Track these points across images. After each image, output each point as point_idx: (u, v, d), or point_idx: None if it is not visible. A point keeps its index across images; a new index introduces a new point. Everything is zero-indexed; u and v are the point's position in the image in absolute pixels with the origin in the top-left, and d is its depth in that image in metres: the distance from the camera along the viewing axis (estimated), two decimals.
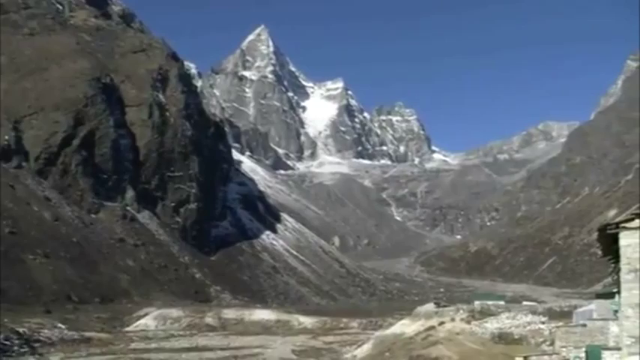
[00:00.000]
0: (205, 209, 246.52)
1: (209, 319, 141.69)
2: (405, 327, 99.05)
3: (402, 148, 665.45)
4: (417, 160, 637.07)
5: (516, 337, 78.10)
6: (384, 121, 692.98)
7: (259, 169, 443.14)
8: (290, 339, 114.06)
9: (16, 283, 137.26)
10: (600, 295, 50.93)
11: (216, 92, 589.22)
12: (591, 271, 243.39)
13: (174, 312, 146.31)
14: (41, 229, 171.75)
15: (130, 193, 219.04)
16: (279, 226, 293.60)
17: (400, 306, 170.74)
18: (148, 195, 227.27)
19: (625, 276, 23.25)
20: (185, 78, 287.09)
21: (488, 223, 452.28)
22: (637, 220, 23.25)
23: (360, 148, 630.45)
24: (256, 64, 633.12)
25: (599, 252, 28.55)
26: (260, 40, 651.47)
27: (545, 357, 44.45)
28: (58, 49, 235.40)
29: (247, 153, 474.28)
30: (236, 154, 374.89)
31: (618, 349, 26.46)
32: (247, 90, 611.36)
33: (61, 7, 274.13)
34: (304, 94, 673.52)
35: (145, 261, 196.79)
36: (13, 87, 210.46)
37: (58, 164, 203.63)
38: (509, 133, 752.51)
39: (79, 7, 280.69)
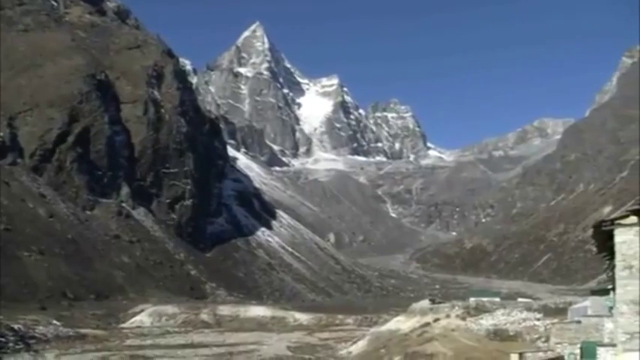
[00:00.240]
0: (200, 206, 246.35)
1: (204, 316, 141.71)
2: (401, 323, 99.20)
3: (397, 145, 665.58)
4: (412, 157, 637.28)
5: (511, 333, 78.27)
6: (379, 117, 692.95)
7: (254, 166, 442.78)
8: (285, 335, 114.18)
9: (12, 280, 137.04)
10: (595, 292, 50.89)
11: (212, 89, 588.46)
12: (586, 268, 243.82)
13: (170, 308, 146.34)
14: (36, 226, 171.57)
15: (125, 190, 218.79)
16: (274, 223, 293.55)
17: (395, 302, 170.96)
18: (143, 191, 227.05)
19: (620, 272, 23.29)
20: (180, 75, 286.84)
21: (484, 220, 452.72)
22: (632, 217, 23.29)
23: (355, 144, 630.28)
24: (251, 60, 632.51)
25: (594, 249, 28.59)
26: (255, 37, 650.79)
27: (540, 353, 44.48)
28: (52, 45, 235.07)
29: (242, 150, 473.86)
30: (231, 151, 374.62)
31: (613, 345, 26.51)
32: (242, 86, 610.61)
33: (55, 4, 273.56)
34: (299, 91, 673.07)
35: (140, 257, 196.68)
36: (8, 84, 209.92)
37: (53, 161, 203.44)
38: (504, 130, 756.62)
39: (74, 4, 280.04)
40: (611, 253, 24.88)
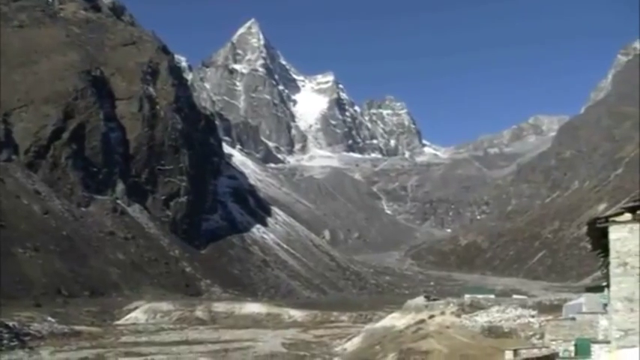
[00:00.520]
0: (196, 203, 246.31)
1: (199, 313, 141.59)
2: (396, 320, 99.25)
3: (392, 142, 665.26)
4: (407, 154, 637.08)
5: (506, 330, 78.31)
6: (374, 114, 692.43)
7: (250, 163, 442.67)
8: (280, 332, 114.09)
9: (6, 277, 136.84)
10: (590, 289, 51.09)
11: (207, 85, 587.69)
12: (581, 265, 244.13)
13: (165, 305, 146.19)
14: (31, 223, 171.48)
15: (120, 187, 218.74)
16: (269, 220, 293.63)
17: (390, 299, 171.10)
18: (138, 188, 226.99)
19: (614, 270, 23.31)
20: (175, 71, 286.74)
21: (479, 217, 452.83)
22: (626, 215, 23.31)
23: (350, 141, 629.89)
24: (247, 57, 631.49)
25: (589, 246, 28.61)
26: (251, 34, 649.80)
27: (535, 350, 44.57)
28: (47, 41, 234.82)
29: (238, 146, 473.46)
30: (226, 148, 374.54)
31: (607, 342, 26.56)
32: (238, 83, 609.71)
33: (50, 0, 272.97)
34: (295, 88, 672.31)
35: (135, 254, 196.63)
36: (3, 80, 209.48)
37: (47, 157, 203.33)
38: (499, 127, 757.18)
39: (69, 0, 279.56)
40: (605, 251, 24.91)
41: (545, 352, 40.57)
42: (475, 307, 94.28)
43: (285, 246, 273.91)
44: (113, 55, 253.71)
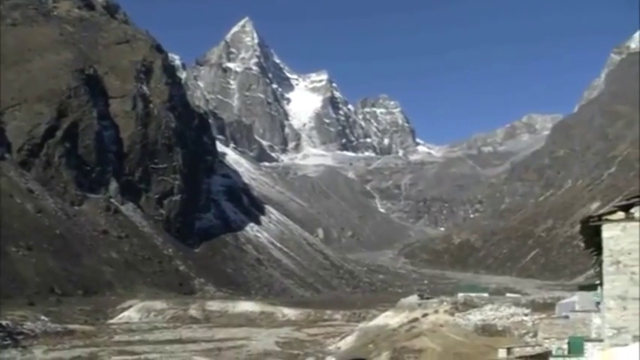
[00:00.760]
0: (189, 201, 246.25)
1: (193, 311, 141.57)
2: (389, 319, 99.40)
3: (386, 141, 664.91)
4: (401, 153, 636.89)
5: (499, 328, 78.53)
6: (368, 113, 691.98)
7: (243, 161, 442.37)
8: (274, 331, 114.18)
9: None
10: (583, 287, 51.18)
11: (201, 84, 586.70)
12: (574, 264, 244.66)
13: (158, 304, 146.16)
14: (24, 221, 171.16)
15: (113, 185, 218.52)
16: (263, 218, 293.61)
17: (384, 298, 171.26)
18: (131, 187, 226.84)
19: (607, 268, 23.37)
20: (169, 70, 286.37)
21: (472, 216, 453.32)
22: (619, 213, 23.38)
23: (344, 140, 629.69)
24: (241, 55, 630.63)
25: (582, 244, 28.70)
26: (244, 32, 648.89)
27: (528, 348, 44.69)
28: (41, 40, 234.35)
29: (231, 145, 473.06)
30: (220, 146, 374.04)
31: (600, 340, 26.62)
32: (231, 82, 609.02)
33: None
34: (288, 86, 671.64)
35: (129, 253, 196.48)
36: None
37: (41, 156, 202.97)
38: (493, 126, 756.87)
39: None
40: (598, 249, 24.97)
41: (538, 350, 40.70)
42: (468, 305, 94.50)
43: (278, 244, 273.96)
44: (107, 54, 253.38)
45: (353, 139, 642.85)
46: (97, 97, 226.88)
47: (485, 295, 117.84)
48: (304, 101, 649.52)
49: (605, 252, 23.46)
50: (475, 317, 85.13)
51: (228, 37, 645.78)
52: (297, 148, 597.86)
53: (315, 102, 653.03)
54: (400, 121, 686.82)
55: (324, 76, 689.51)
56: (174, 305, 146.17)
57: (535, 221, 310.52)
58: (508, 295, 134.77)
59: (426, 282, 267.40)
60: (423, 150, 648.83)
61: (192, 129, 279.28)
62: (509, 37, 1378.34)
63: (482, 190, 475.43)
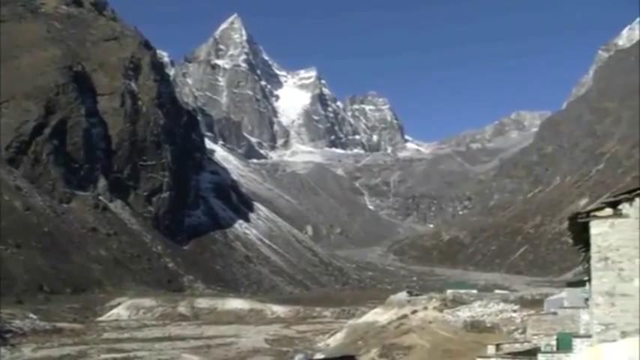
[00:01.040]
0: (178, 198, 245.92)
1: (182, 309, 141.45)
2: (378, 316, 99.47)
3: (374, 137, 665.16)
4: (389, 149, 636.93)
5: (488, 325, 78.69)
6: (357, 110, 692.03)
7: (232, 158, 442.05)
8: (263, 328, 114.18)
9: None
10: (571, 284, 51.30)
11: (189, 81, 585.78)
12: (562, 260, 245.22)
13: (147, 301, 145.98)
14: (12, 219, 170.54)
15: (102, 183, 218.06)
16: (252, 215, 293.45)
17: (373, 295, 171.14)
18: (120, 184, 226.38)
19: (595, 264, 23.46)
20: (158, 66, 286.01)
21: (461, 212, 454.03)
22: (607, 209, 23.47)
23: (333, 137, 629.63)
24: (229, 52, 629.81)
25: (570, 241, 28.78)
26: (233, 29, 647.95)
27: (517, 345, 44.77)
28: (29, 36, 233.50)
29: (220, 142, 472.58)
30: (209, 143, 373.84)
31: (589, 336, 26.70)
32: (220, 79, 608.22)
33: None
34: (277, 83, 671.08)
35: (118, 250, 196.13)
36: None
37: (29, 153, 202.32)
38: (481, 123, 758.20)
39: None
40: (586, 245, 25.05)
41: (527, 346, 40.76)
42: (457, 302, 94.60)
43: (267, 242, 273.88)
44: (95, 51, 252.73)
45: (342, 135, 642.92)
46: (85, 94, 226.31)
47: (474, 291, 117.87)
48: (293, 98, 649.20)
49: (593, 248, 23.55)
50: (464, 314, 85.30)
51: (217, 33, 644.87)
52: (286, 144, 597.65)
53: (304, 99, 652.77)
54: (389, 118, 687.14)
55: (312, 73, 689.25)
56: (163, 303, 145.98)
57: (524, 218, 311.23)
58: (497, 291, 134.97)
59: (414, 279, 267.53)
60: (412, 147, 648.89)
61: (181, 126, 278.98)
62: (498, 35, 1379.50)
63: (470, 187, 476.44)
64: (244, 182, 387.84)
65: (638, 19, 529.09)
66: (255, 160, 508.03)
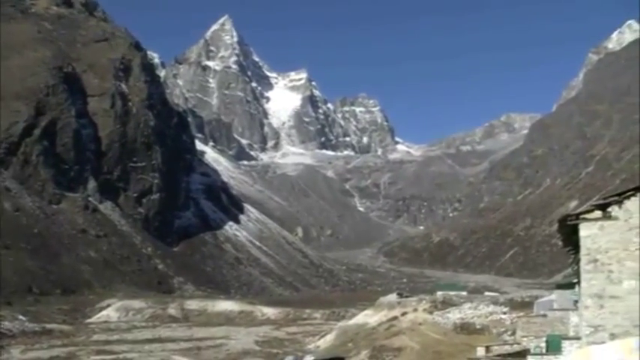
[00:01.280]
0: (168, 200, 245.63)
1: (172, 311, 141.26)
2: (368, 317, 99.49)
3: (365, 139, 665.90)
4: (380, 151, 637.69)
5: (478, 327, 78.72)
6: (347, 112, 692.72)
7: (222, 160, 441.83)
8: (253, 330, 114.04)
9: None
10: (561, 286, 51.38)
11: (180, 82, 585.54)
12: (552, 262, 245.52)
13: (137, 303, 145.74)
14: (1, 220, 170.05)
15: (91, 184, 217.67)
16: (242, 217, 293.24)
17: (363, 296, 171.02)
18: (110, 185, 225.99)
19: (585, 266, 23.53)
20: (148, 68, 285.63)
21: (451, 214, 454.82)
22: (597, 212, 23.55)
23: (323, 139, 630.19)
24: (220, 54, 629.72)
25: (560, 243, 28.86)
26: (224, 30, 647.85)
27: (507, 347, 44.81)
28: (19, 37, 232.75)
29: (210, 143, 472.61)
30: (199, 145, 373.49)
31: (578, 338, 26.77)
32: (211, 80, 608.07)
33: None
34: (268, 85, 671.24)
35: (107, 252, 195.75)
36: None
37: (18, 154, 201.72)
38: (472, 125, 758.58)
39: None
40: (576, 248, 25.12)
41: (516, 348, 40.83)
42: (447, 304, 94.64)
43: (257, 243, 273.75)
44: (85, 52, 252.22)
45: (332, 137, 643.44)
46: (75, 95, 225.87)
47: (464, 293, 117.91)
48: (283, 100, 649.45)
49: (583, 250, 23.62)
50: (454, 316, 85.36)
51: (208, 35, 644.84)
52: (277, 146, 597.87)
53: (295, 101, 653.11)
54: (379, 120, 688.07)
55: (303, 75, 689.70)
56: (153, 304, 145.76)
57: (514, 220, 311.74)
58: (487, 293, 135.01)
59: (405, 280, 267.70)
60: (402, 149, 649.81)
61: (171, 127, 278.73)
62: (489, 39, 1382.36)
63: (461, 189, 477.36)
64: (235, 184, 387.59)
65: (627, 23, 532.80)
66: (245, 162, 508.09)
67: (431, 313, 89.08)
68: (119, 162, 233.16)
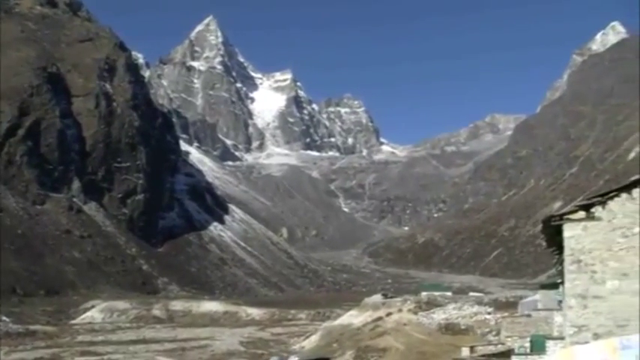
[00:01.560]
0: (152, 200, 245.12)
1: (156, 311, 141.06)
2: (353, 318, 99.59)
3: (350, 140, 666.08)
4: (365, 152, 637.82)
5: (463, 327, 78.93)
6: (332, 112, 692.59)
7: (207, 160, 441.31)
8: (238, 330, 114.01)
9: None
10: (545, 286, 51.55)
11: (164, 82, 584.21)
12: (536, 262, 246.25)
13: (121, 304, 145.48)
14: None
15: (76, 184, 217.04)
16: (227, 218, 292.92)
17: (348, 297, 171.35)
18: (94, 186, 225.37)
19: (568, 267, 23.60)
20: (133, 68, 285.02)
21: (436, 215, 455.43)
22: (580, 212, 23.63)
23: (308, 139, 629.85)
24: (205, 54, 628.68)
25: (544, 243, 28.94)
26: (209, 31, 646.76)
27: (491, 347, 44.97)
28: (2, 37, 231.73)
29: (195, 144, 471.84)
30: (184, 145, 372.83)
31: (562, 338, 26.88)
32: (195, 80, 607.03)
33: None
34: (253, 85, 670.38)
35: (92, 253, 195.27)
36: None
37: (2, 154, 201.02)
38: (456, 126, 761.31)
39: None
40: (560, 248, 25.18)
41: (501, 348, 40.99)
42: (432, 304, 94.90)
43: (242, 244, 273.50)
44: (69, 52, 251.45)
45: (317, 138, 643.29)
46: (59, 95, 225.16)
47: (449, 294, 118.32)
48: (268, 100, 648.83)
49: (567, 251, 23.69)
50: (438, 316, 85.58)
51: (193, 35, 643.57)
52: (261, 147, 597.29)
53: (280, 101, 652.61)
54: (364, 121, 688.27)
55: (288, 76, 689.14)
56: (138, 305, 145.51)
57: (498, 220, 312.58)
58: (471, 294, 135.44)
59: (389, 281, 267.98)
60: (387, 150, 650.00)
61: (156, 128, 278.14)
62: (473, 40, 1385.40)
63: (445, 190, 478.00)
64: (219, 184, 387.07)
65: (611, 24, 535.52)
66: (230, 163, 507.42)
67: (415, 313, 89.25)
68: (103, 162, 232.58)
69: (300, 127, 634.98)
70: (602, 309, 23.11)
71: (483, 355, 39.10)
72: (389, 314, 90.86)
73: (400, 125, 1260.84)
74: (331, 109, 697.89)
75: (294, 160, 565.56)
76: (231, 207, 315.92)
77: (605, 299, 23.12)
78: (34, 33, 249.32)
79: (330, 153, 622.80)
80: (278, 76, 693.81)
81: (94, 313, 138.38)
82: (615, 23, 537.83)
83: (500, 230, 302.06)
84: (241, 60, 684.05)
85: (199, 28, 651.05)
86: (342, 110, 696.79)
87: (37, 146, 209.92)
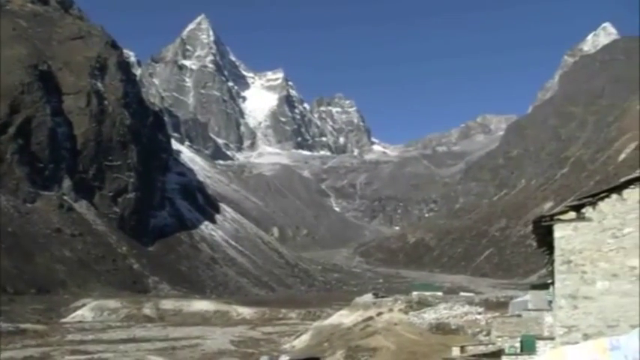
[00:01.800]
0: (144, 199, 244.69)
1: (147, 310, 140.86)
2: (344, 317, 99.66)
3: (341, 140, 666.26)
4: (356, 152, 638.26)
5: (453, 327, 79.12)
6: (323, 112, 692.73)
7: (198, 159, 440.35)
8: (229, 330, 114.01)
9: None
10: (535, 286, 51.69)
11: (156, 81, 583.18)
12: (527, 263, 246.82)
13: (112, 303, 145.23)
14: None
15: (67, 183, 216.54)
16: (218, 217, 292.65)
17: (339, 296, 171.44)
18: (85, 184, 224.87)
19: (559, 267, 23.66)
20: (124, 66, 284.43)
21: (427, 215, 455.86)
22: (571, 213, 23.68)
23: (299, 139, 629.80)
24: (196, 53, 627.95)
25: (535, 244, 29.02)
26: (200, 29, 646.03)
27: (482, 347, 45.03)
28: None
29: (187, 143, 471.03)
30: (175, 144, 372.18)
31: (552, 338, 26.96)
32: (187, 79, 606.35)
33: None
34: (244, 84, 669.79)
35: (82, 251, 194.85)
36: None
37: None
38: (448, 126, 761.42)
39: None
40: (550, 248, 25.23)
41: (491, 348, 41.04)
42: (423, 304, 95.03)
43: (233, 243, 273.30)
44: (61, 50, 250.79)
45: (308, 137, 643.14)
46: (50, 93, 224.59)
47: (440, 293, 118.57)
48: (260, 99, 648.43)
49: (557, 251, 23.75)
50: (429, 316, 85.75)
51: (184, 34, 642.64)
52: (253, 146, 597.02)
53: (271, 100, 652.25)
54: (355, 120, 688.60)
55: (279, 75, 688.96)
56: (128, 304, 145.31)
57: (489, 221, 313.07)
58: (462, 294, 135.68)
59: (380, 281, 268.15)
60: (378, 149, 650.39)
61: (147, 126, 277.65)
62: (465, 41, 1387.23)
63: (436, 190, 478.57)
64: (210, 183, 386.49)
65: (602, 26, 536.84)
66: (221, 162, 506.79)
67: (406, 313, 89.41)
68: (94, 161, 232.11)
69: (292, 127, 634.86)
70: (592, 309, 23.18)
71: (474, 355, 39.13)
72: (380, 314, 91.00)
73: (391, 125, 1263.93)
74: (323, 108, 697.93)
75: (285, 160, 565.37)
76: (223, 206, 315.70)
77: (595, 300, 23.20)
78: (25, 31, 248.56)
79: (322, 152, 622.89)
80: (270, 75, 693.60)
81: (85, 311, 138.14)
82: (606, 24, 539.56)
83: (491, 230, 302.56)
84: (233, 59, 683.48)
85: (191, 26, 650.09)
86: (334, 110, 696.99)
87: (28, 144, 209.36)
